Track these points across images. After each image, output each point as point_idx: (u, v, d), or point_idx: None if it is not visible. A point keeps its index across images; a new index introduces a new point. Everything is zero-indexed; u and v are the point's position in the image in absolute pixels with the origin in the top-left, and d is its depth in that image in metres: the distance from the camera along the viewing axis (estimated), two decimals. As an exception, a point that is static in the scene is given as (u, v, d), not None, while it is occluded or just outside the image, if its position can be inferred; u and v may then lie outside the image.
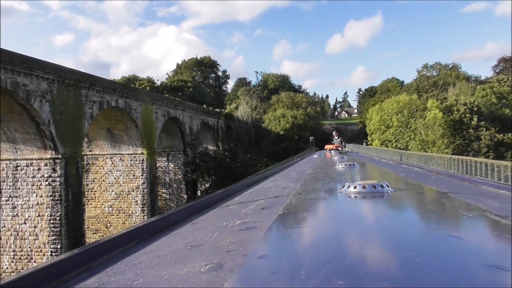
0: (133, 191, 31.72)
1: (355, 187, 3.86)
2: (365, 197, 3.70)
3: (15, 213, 21.21)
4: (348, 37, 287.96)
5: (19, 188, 21.19)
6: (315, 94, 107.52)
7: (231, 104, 70.46)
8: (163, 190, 41.79)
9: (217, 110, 60.37)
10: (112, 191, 31.89)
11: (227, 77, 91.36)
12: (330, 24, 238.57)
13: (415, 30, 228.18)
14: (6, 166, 21.31)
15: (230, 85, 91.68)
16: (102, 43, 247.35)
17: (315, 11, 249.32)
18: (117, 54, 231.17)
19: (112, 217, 31.80)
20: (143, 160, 31.78)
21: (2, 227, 21.26)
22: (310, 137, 58.92)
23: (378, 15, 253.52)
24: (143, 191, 31.69)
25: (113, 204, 31.88)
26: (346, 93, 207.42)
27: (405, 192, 4.47)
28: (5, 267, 21.21)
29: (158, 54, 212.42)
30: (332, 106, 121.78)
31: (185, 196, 42.44)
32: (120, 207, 31.80)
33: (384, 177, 6.74)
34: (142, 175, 31.73)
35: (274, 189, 5.72)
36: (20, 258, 21.10)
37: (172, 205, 42.22)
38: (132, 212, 31.64)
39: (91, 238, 29.12)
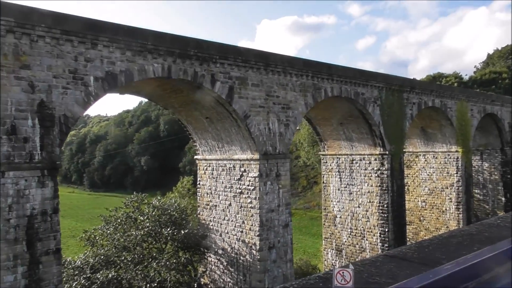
0: (447, 188, 29.70)
1: None
2: None
3: (351, 198, 24.42)
4: None
5: (354, 178, 24.26)
6: None
7: None
8: (476, 190, 36.92)
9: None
10: (425, 186, 31.04)
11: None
12: None
13: None
14: (344, 160, 24.85)
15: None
16: (399, 41, 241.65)
17: None
18: (415, 49, 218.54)
19: (425, 211, 30.96)
20: (457, 158, 29.19)
21: (342, 208, 24.92)
22: None
23: None
24: (458, 189, 29.11)
25: (426, 199, 31.00)
26: None
27: None
28: (344, 240, 24.79)
29: (462, 43, 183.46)
30: None
31: (503, 198, 36.13)
32: (433, 202, 30.49)
33: None
34: (456, 173, 29.22)
35: None
36: (355, 235, 24.12)
37: (487, 206, 37.10)
38: (445, 209, 29.68)
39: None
